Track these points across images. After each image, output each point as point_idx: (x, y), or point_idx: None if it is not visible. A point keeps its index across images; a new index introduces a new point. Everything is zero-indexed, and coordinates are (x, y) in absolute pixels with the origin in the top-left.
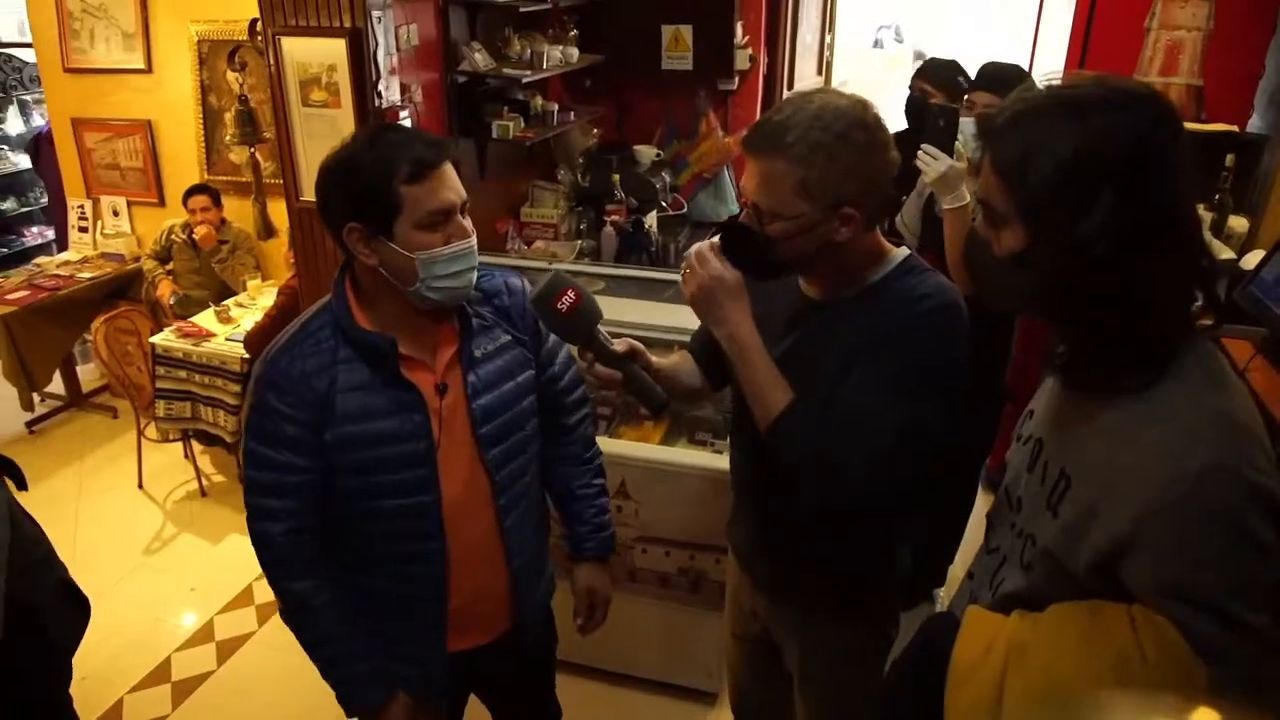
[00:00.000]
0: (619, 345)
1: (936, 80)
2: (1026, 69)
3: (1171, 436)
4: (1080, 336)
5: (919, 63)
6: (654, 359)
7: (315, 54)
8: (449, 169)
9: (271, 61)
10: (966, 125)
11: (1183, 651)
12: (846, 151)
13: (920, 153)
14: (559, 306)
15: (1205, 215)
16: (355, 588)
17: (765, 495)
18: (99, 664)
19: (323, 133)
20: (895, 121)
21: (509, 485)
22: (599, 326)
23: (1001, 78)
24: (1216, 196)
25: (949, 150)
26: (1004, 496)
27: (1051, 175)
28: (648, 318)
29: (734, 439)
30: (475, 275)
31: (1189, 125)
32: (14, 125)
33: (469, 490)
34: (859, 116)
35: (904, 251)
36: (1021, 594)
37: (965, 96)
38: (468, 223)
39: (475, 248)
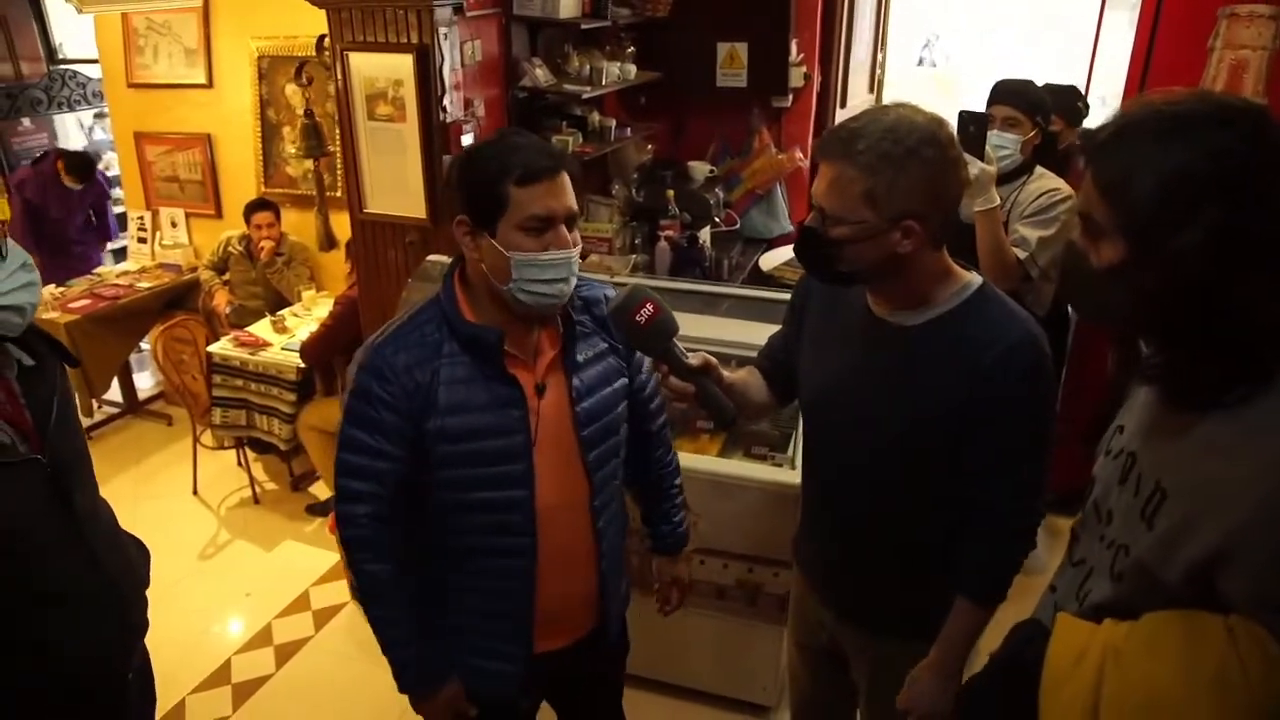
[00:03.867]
0: (694, 359)
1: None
2: (1081, 89)
3: (1274, 450)
4: (1178, 351)
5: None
6: (725, 374)
7: (382, 69)
8: (564, 179)
9: (339, 76)
10: (991, 138)
11: None
12: (915, 166)
13: None
14: (637, 319)
15: None
16: (442, 582)
17: (842, 522)
18: (161, 666)
19: (387, 146)
20: None
21: (603, 487)
22: (675, 340)
23: (1018, 92)
24: None
25: (979, 155)
26: (1092, 510)
27: (1154, 192)
28: (704, 331)
29: (809, 462)
30: (570, 286)
31: None
32: (77, 139)
33: (565, 491)
34: (932, 133)
35: (977, 279)
36: (1110, 604)
37: (987, 109)
38: (574, 235)
39: (575, 260)
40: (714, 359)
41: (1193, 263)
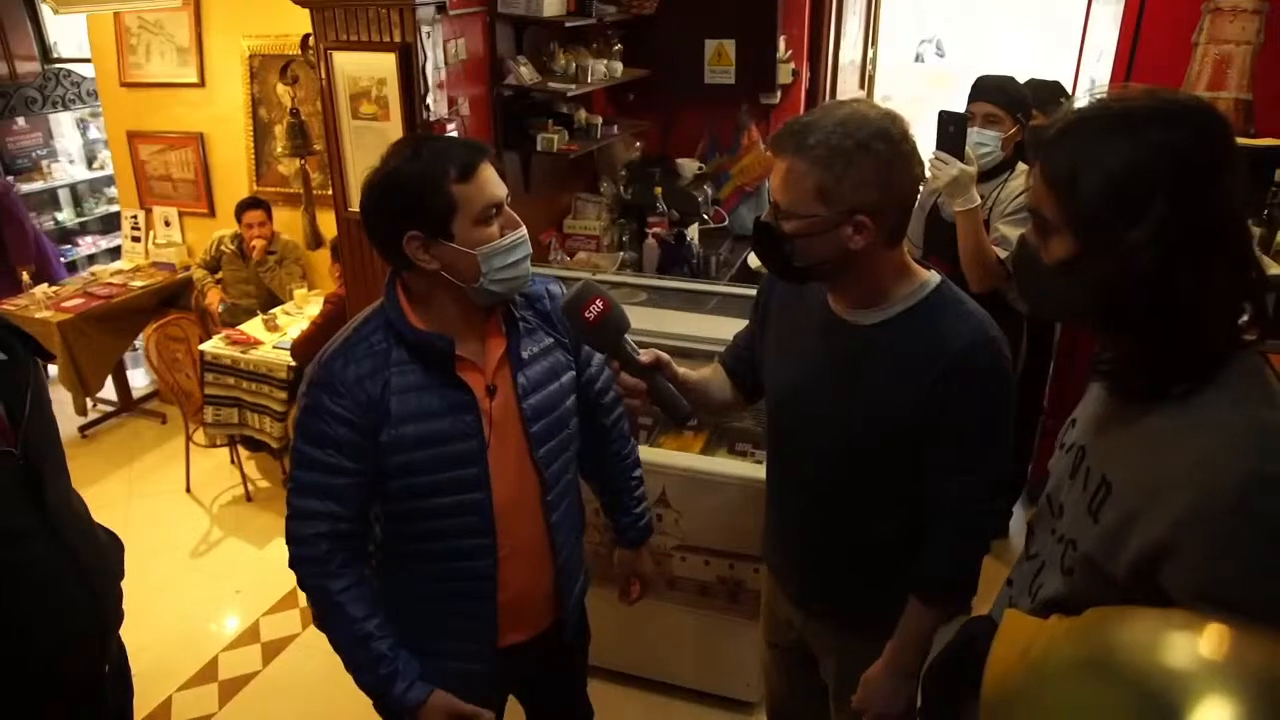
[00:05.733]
0: (645, 356)
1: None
2: (1068, 84)
3: (1212, 444)
4: (1126, 345)
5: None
6: (681, 370)
7: (366, 68)
8: (490, 167)
9: (323, 75)
10: (972, 135)
11: None
12: (866, 160)
13: (932, 159)
14: (586, 315)
15: (1254, 230)
16: (404, 589)
17: (805, 520)
18: (148, 662)
19: (372, 145)
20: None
21: (555, 483)
22: (626, 336)
23: (998, 88)
24: (1266, 212)
25: (959, 155)
26: (1045, 503)
27: (1102, 188)
28: (689, 329)
29: (772, 461)
30: (530, 264)
31: (1237, 140)
32: (72, 139)
33: (519, 488)
34: (884, 128)
35: (935, 278)
36: (1060, 598)
37: (967, 107)
38: (514, 215)
39: (527, 236)
40: (666, 355)
41: (1141, 258)
